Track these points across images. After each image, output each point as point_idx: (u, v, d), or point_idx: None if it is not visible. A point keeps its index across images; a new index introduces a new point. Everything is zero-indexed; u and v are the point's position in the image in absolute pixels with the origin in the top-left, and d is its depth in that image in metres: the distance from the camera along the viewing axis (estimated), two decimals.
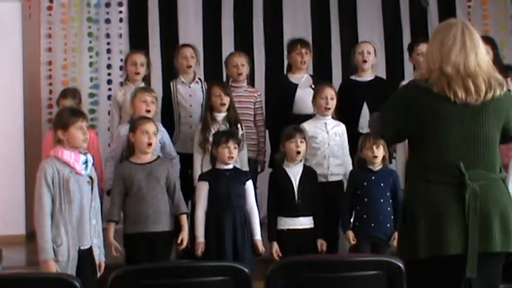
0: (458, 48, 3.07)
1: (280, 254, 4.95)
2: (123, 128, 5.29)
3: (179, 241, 4.80)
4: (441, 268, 3.06)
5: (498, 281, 3.16)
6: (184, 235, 4.82)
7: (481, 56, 3.09)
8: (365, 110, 5.84)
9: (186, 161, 5.48)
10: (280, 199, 5.07)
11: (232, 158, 4.99)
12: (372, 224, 4.97)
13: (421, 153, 3.14)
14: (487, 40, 6.19)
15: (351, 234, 4.99)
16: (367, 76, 6.04)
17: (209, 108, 5.46)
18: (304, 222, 5.03)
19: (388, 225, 4.97)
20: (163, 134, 5.31)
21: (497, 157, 3.13)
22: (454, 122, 3.05)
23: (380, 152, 5.01)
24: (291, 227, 5.02)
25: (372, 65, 6.11)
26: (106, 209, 5.01)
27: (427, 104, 3.07)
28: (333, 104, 5.42)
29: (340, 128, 5.46)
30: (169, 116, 5.80)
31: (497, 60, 6.07)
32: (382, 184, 5.02)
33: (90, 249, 4.24)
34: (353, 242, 4.98)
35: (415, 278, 3.05)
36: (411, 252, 3.07)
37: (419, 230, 3.06)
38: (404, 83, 5.56)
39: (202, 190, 4.98)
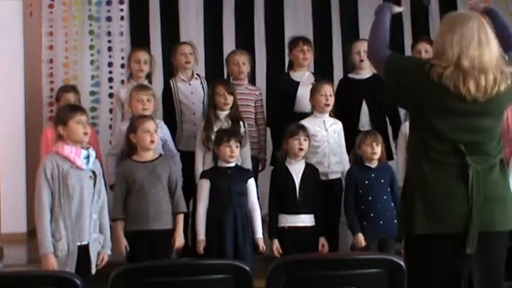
0: (476, 43, 3.09)
1: (281, 251, 4.95)
2: (124, 125, 5.30)
3: (172, 241, 4.78)
4: (439, 245, 3.09)
5: (501, 262, 3.18)
6: (178, 235, 4.80)
7: (494, 51, 3.12)
8: (364, 108, 5.83)
9: (190, 159, 5.48)
10: (281, 196, 5.06)
11: (233, 156, 4.99)
12: (381, 222, 4.95)
13: (423, 134, 3.16)
14: None
15: (361, 236, 4.94)
16: (365, 74, 6.01)
17: (212, 106, 5.45)
18: (306, 220, 5.02)
19: (395, 221, 4.96)
20: (165, 131, 5.32)
21: (498, 144, 3.18)
22: (460, 114, 3.08)
23: (379, 149, 5.02)
24: (292, 225, 5.01)
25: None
26: (110, 204, 5.05)
27: (436, 97, 3.08)
28: (331, 100, 5.41)
29: (338, 126, 5.45)
30: (171, 115, 5.79)
31: None
32: (382, 180, 5.02)
33: (87, 246, 4.26)
34: (362, 245, 4.93)
35: (413, 254, 3.11)
36: (410, 227, 3.11)
37: (419, 206, 3.09)
38: None
39: (204, 188, 4.98)
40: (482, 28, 3.13)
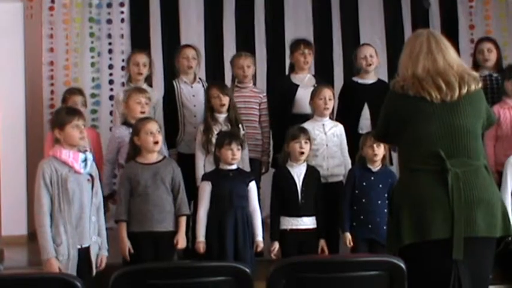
0: (425, 53, 3.28)
1: (281, 254, 4.93)
2: (116, 130, 5.31)
3: (175, 242, 4.79)
4: (427, 253, 3.13)
5: (487, 267, 3.20)
6: (180, 236, 4.80)
7: (450, 58, 3.28)
8: (365, 111, 5.84)
9: (191, 161, 5.47)
10: (283, 199, 5.06)
11: (235, 159, 5.00)
12: (369, 226, 4.95)
13: (404, 147, 3.28)
14: (490, 40, 6.22)
15: (348, 236, 4.97)
16: (370, 79, 6.02)
17: (210, 109, 5.45)
18: (307, 222, 5.02)
19: (385, 227, 4.96)
20: None
21: (479, 146, 3.25)
22: (434, 116, 3.18)
23: (380, 150, 5.02)
24: (294, 227, 5.01)
25: (375, 67, 6.11)
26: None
27: (406, 107, 3.24)
28: (331, 104, 5.42)
29: (338, 129, 5.45)
30: (173, 116, 5.78)
31: (500, 60, 6.09)
32: (380, 185, 5.01)
33: (88, 248, 4.27)
34: (350, 245, 4.96)
35: (406, 262, 3.11)
36: (397, 240, 3.17)
37: (404, 216, 3.16)
38: None
39: (205, 190, 4.98)
40: (432, 40, 3.32)
